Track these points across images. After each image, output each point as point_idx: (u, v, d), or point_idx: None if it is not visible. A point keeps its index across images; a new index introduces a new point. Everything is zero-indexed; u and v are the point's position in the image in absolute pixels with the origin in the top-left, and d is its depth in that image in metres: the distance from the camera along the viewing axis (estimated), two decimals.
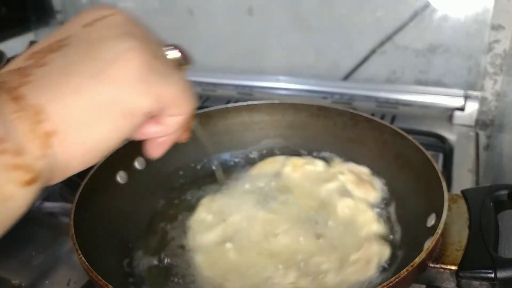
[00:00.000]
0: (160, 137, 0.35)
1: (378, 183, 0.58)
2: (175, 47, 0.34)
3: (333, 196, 0.58)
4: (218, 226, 0.55)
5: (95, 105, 0.28)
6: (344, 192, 0.58)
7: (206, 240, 0.54)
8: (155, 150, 0.36)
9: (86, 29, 0.30)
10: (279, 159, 0.65)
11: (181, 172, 0.64)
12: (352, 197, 0.57)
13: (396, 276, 0.37)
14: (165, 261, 0.52)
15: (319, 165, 0.63)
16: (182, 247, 0.53)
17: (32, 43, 1.00)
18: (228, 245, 0.52)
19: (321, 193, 0.59)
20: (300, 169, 0.62)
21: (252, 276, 0.49)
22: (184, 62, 0.34)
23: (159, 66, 0.31)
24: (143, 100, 0.29)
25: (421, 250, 0.40)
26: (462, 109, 0.85)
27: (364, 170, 0.60)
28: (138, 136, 0.34)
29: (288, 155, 0.66)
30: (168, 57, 0.33)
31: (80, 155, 0.28)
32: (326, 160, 0.64)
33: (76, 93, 0.27)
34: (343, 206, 0.56)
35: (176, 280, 0.49)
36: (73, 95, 0.27)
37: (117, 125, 0.29)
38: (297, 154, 0.66)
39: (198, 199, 0.60)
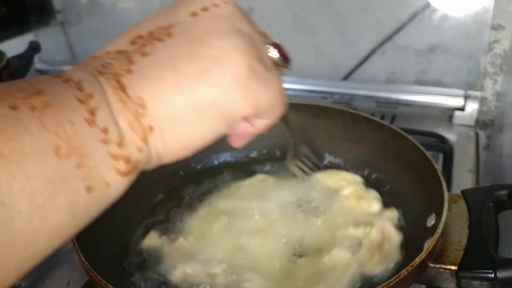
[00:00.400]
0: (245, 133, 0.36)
1: (395, 257, 0.49)
2: (276, 45, 0.33)
3: (343, 242, 0.51)
4: (239, 200, 0.58)
5: (195, 105, 0.28)
6: (354, 245, 0.50)
7: (219, 204, 0.58)
8: (237, 142, 0.37)
9: (192, 20, 0.29)
10: (351, 179, 0.61)
11: (181, 172, 0.64)
12: (354, 255, 0.49)
13: (396, 276, 0.37)
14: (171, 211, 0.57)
15: (374, 207, 0.56)
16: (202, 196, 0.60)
17: (32, 43, 1.00)
18: (224, 218, 0.55)
19: (339, 232, 0.53)
20: (354, 201, 0.57)
21: (203, 249, 0.51)
22: (282, 63, 0.33)
23: (261, 70, 0.30)
24: (243, 105, 0.29)
25: (421, 250, 0.40)
26: (462, 109, 0.85)
27: (394, 238, 0.50)
28: None
29: (366, 181, 0.61)
30: (271, 55, 0.32)
31: (173, 152, 0.29)
32: (384, 202, 0.57)
33: (177, 91, 0.27)
34: (334, 255, 0.49)
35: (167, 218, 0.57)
36: (174, 93, 0.27)
37: (214, 127, 0.29)
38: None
39: (198, 198, 0.60)
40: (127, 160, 0.26)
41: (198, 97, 0.28)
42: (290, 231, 0.53)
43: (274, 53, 0.32)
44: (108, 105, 0.25)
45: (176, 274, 0.49)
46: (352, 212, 0.56)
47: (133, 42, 0.29)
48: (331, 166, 0.65)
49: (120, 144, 0.25)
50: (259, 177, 0.63)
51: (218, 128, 0.30)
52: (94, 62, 0.27)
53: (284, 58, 0.33)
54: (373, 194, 0.58)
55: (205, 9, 0.30)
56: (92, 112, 0.24)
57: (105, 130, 0.25)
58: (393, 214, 0.54)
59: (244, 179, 0.62)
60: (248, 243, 0.52)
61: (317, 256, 0.50)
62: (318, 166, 0.63)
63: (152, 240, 0.53)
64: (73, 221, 0.24)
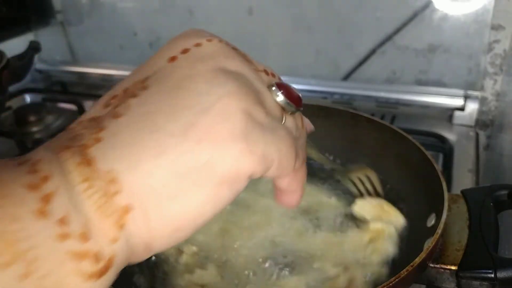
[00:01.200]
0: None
1: None
2: (281, 86, 0.27)
3: (312, 274, 0.48)
4: (253, 193, 0.58)
5: (184, 170, 0.21)
6: (318, 284, 0.47)
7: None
8: (286, 203, 0.31)
9: (172, 65, 0.24)
10: (393, 219, 0.53)
11: None
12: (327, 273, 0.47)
13: (396, 276, 0.37)
14: None
15: (374, 257, 0.49)
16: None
17: (32, 43, 1.00)
18: (228, 206, 0.55)
19: (317, 263, 0.49)
20: (367, 238, 0.51)
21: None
22: (291, 108, 0.27)
23: (263, 116, 0.24)
24: (246, 161, 0.23)
25: (421, 250, 0.40)
26: (462, 109, 0.84)
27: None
28: None
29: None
30: (276, 99, 0.26)
31: (163, 235, 0.22)
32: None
33: (157, 155, 0.21)
34: (289, 286, 0.47)
35: None
36: (154, 158, 0.21)
37: (215, 194, 0.23)
38: None
39: None
40: (96, 257, 0.20)
41: (185, 158, 0.21)
42: (278, 239, 0.52)
43: (279, 96, 0.26)
44: (67, 187, 0.20)
45: None
46: (352, 247, 0.50)
47: (106, 105, 0.23)
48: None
49: (85, 237, 0.19)
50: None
51: (220, 196, 0.23)
52: (64, 135, 0.22)
53: (293, 101, 0.27)
54: (387, 246, 0.50)
55: (185, 51, 0.24)
56: (46, 200, 0.19)
57: (62, 221, 0.19)
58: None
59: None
60: (235, 236, 0.52)
61: (279, 277, 0.48)
62: (379, 194, 0.58)
63: None
64: None
